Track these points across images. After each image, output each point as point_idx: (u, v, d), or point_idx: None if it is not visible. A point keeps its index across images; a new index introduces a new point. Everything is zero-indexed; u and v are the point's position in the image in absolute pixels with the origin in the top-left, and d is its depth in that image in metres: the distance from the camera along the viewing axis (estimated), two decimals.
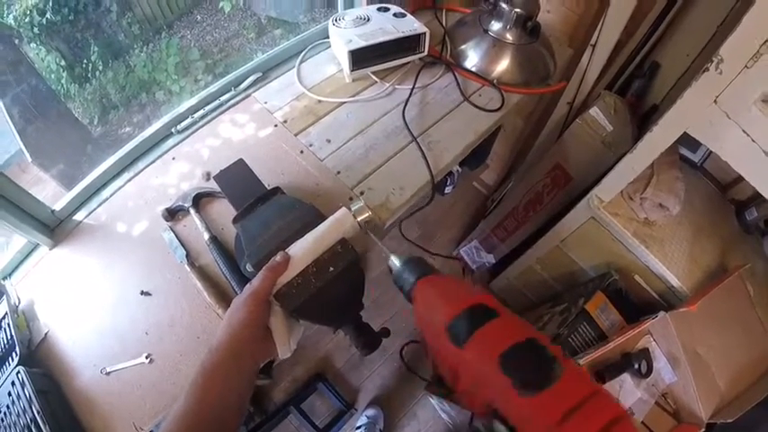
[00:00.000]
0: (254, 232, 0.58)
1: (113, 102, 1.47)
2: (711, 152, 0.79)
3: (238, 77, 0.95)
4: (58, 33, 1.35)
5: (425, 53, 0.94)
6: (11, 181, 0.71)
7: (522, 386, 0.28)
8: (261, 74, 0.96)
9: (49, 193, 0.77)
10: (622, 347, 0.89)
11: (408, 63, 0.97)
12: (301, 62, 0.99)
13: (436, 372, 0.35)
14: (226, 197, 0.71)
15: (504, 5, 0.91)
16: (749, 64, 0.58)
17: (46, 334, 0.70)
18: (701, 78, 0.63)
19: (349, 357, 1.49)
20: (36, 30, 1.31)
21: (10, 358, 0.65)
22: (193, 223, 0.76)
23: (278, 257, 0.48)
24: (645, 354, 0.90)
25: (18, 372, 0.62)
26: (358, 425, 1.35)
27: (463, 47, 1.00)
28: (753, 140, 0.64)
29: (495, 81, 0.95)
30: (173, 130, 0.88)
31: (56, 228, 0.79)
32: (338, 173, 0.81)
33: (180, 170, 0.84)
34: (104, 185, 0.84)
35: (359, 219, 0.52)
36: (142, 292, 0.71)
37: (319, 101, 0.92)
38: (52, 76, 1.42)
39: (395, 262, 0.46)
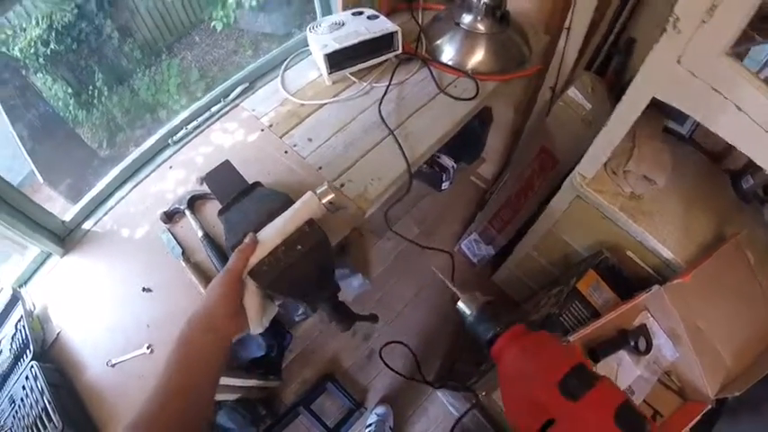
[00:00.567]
0: (234, 221, 0.62)
1: (120, 125, 1.56)
2: (699, 123, 0.78)
3: (227, 89, 1.01)
4: (62, 62, 1.43)
5: (400, 51, 0.98)
6: (25, 196, 0.78)
7: None
8: (248, 84, 1.02)
9: (59, 210, 0.85)
10: (619, 324, 0.87)
11: (385, 62, 1.01)
12: (285, 70, 1.05)
13: (511, 417, 0.40)
14: (214, 195, 0.76)
15: None
16: (705, 18, 0.56)
17: (58, 334, 0.76)
18: (662, 40, 0.63)
19: (357, 357, 1.50)
20: (41, 60, 1.39)
21: (25, 355, 0.70)
22: (189, 224, 0.81)
23: (247, 239, 0.52)
24: (643, 330, 0.88)
25: (32, 366, 0.67)
26: (368, 423, 1.35)
27: (439, 42, 1.04)
28: (725, 98, 0.62)
29: (470, 71, 0.98)
30: (169, 141, 0.95)
31: (66, 237, 0.86)
32: (319, 168, 0.85)
33: (176, 177, 0.91)
34: (109, 196, 0.91)
35: (323, 200, 0.56)
36: (144, 289, 0.76)
37: (302, 104, 0.97)
38: (60, 103, 1.50)
39: (465, 310, 0.47)
